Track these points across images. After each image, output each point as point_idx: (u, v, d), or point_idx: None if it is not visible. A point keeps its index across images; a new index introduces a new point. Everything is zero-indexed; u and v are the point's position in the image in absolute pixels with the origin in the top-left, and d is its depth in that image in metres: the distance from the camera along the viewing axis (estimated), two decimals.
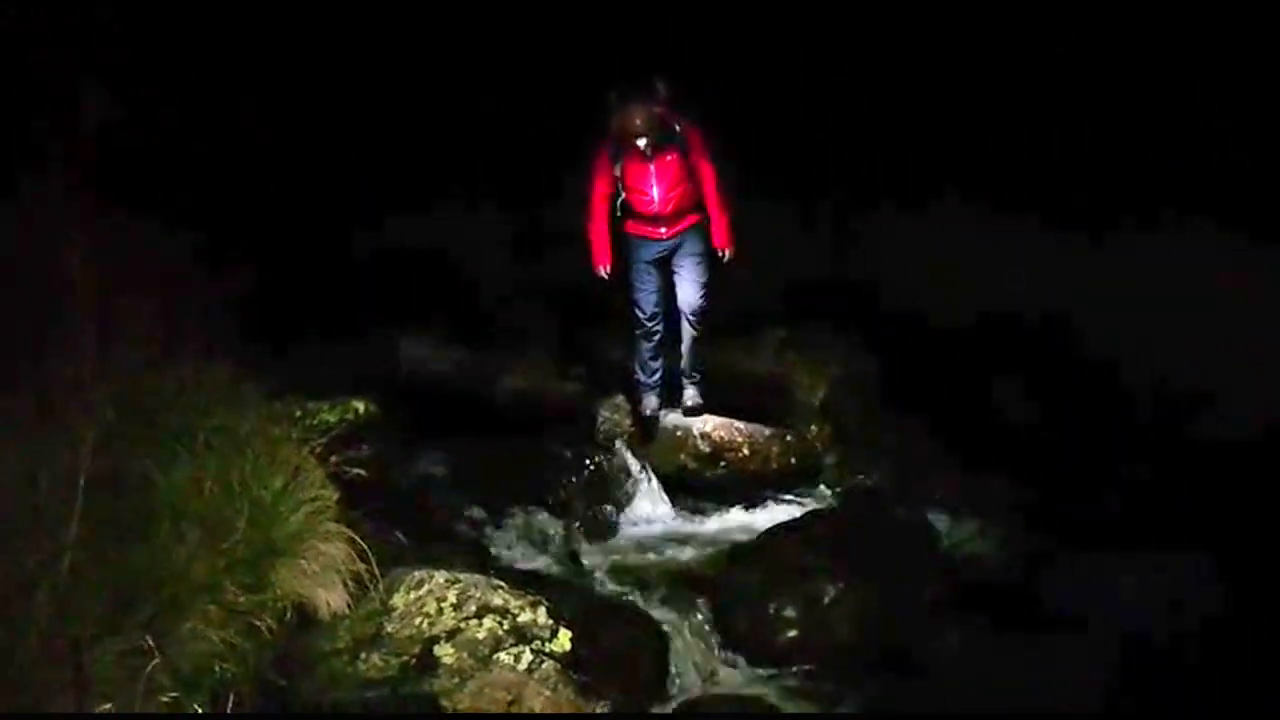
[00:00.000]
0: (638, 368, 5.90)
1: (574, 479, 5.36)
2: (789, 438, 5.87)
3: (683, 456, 5.72)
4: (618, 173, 5.38)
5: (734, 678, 4.26)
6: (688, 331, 5.74)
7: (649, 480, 5.60)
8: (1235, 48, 7.31)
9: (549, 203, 8.71)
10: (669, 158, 5.34)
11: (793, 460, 5.81)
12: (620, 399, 6.12)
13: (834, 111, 8.24)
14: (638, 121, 5.20)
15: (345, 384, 5.57)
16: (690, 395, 5.87)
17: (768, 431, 5.86)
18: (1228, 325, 6.30)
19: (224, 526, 3.51)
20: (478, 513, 4.98)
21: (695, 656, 4.27)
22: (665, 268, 5.65)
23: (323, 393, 5.28)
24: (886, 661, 4.32)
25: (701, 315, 5.68)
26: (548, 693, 3.66)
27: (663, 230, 5.51)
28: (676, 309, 5.69)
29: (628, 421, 5.99)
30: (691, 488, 5.64)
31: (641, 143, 5.23)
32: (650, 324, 5.72)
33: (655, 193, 5.39)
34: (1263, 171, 6.92)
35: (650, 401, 5.89)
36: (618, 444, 5.85)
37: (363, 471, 4.31)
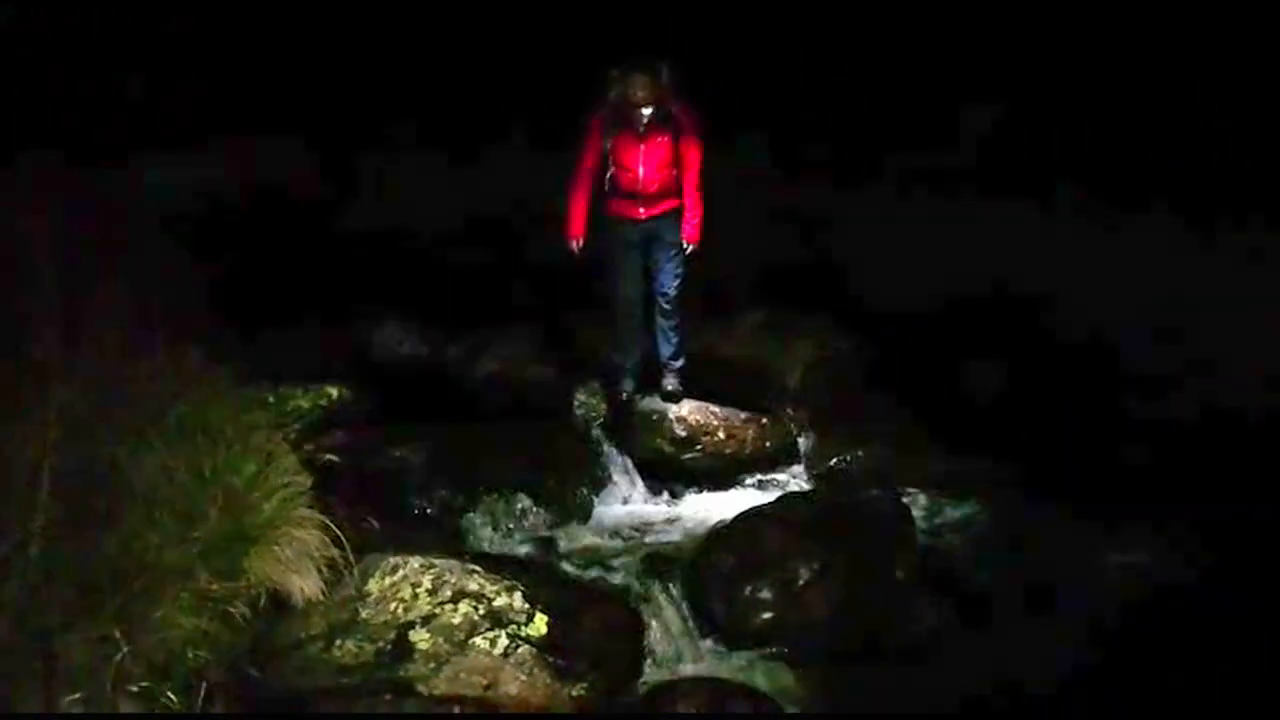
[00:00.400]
0: (615, 350, 5.90)
1: (549, 463, 5.34)
2: (765, 421, 5.88)
3: (659, 440, 5.71)
4: (608, 146, 5.37)
5: (710, 660, 4.26)
6: (664, 320, 5.76)
7: (625, 464, 5.59)
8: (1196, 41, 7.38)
9: (526, 185, 8.70)
10: (661, 139, 5.36)
11: (768, 443, 5.81)
12: (596, 383, 6.10)
13: (810, 90, 8.24)
14: (641, 91, 5.22)
15: (318, 369, 5.55)
16: (670, 381, 5.86)
17: (744, 415, 5.87)
18: (1202, 307, 6.37)
19: (196, 514, 3.49)
20: (453, 498, 4.95)
21: (671, 640, 4.27)
22: (644, 252, 5.65)
23: (296, 378, 5.26)
24: (862, 644, 4.34)
25: (677, 303, 5.71)
26: (523, 677, 3.68)
27: (641, 210, 5.51)
28: (650, 296, 5.71)
29: (604, 405, 5.97)
30: (667, 471, 5.63)
31: (647, 112, 5.25)
32: (629, 306, 5.73)
33: (641, 171, 5.40)
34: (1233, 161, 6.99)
35: (627, 385, 5.89)
36: (593, 428, 5.84)
37: (336, 457, 4.30)
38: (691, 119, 5.41)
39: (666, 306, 5.71)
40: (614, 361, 5.93)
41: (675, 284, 5.64)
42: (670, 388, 5.85)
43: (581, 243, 5.53)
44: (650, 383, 5.91)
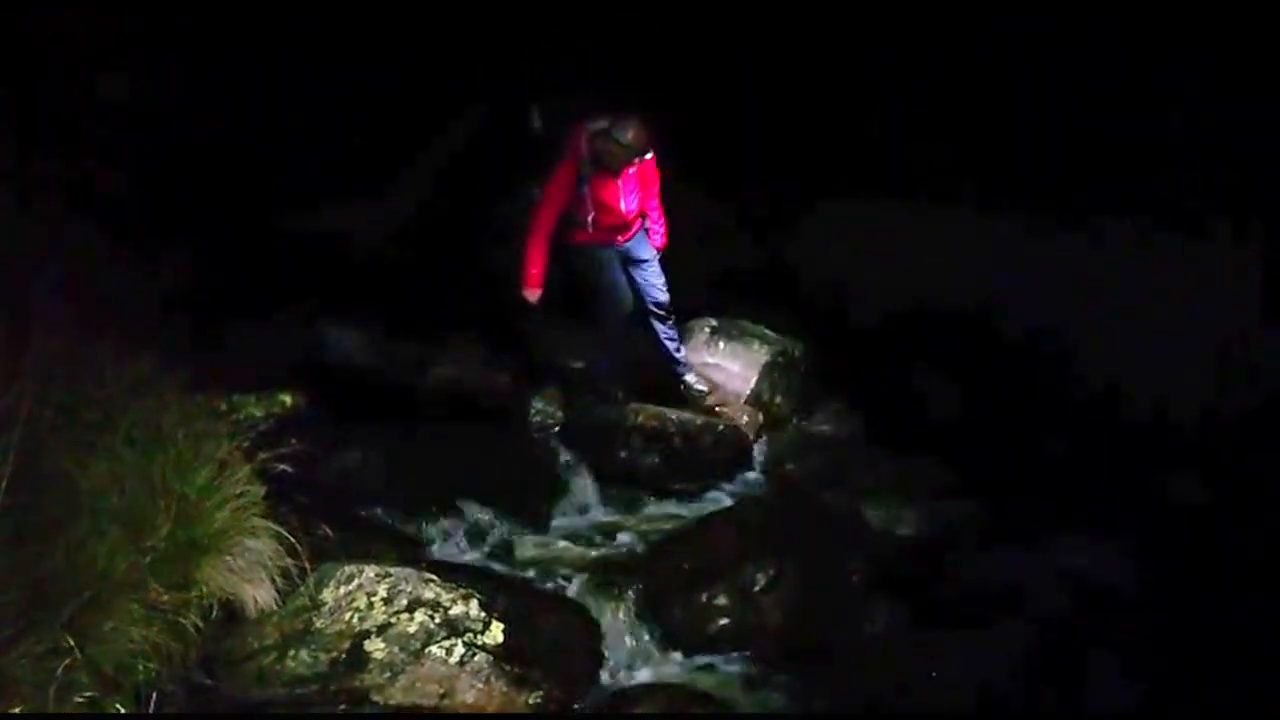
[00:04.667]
0: (609, 359, 5.94)
1: (506, 471, 5.33)
2: (720, 427, 5.90)
3: (615, 447, 5.72)
4: (583, 192, 5.35)
5: (667, 667, 4.27)
6: (664, 327, 5.84)
7: (581, 471, 5.59)
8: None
9: (482, 190, 8.66)
10: (631, 169, 5.41)
11: (724, 449, 5.84)
12: (552, 390, 6.10)
13: (758, 98, 8.27)
14: (640, 141, 5.24)
15: (272, 376, 5.48)
16: (692, 380, 5.96)
17: (699, 421, 5.88)
18: (1149, 315, 6.47)
19: (146, 524, 3.44)
20: (409, 506, 4.92)
21: (628, 646, 4.28)
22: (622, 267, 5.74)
23: (248, 385, 5.20)
24: (817, 648, 4.37)
25: (668, 309, 5.81)
26: (480, 685, 3.67)
27: (619, 239, 5.60)
28: (642, 310, 5.78)
29: (560, 413, 5.98)
30: (624, 478, 5.63)
31: (648, 156, 5.35)
32: (624, 314, 5.78)
33: (624, 205, 5.46)
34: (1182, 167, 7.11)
35: (615, 391, 5.92)
36: (550, 435, 5.84)
37: (290, 466, 4.24)
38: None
39: (662, 313, 5.79)
40: (605, 370, 5.96)
41: (665, 291, 5.76)
42: (693, 382, 5.94)
43: (540, 294, 5.50)
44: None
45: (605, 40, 7.96)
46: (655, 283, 5.72)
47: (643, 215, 5.66)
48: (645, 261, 5.69)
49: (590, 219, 5.42)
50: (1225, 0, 6.66)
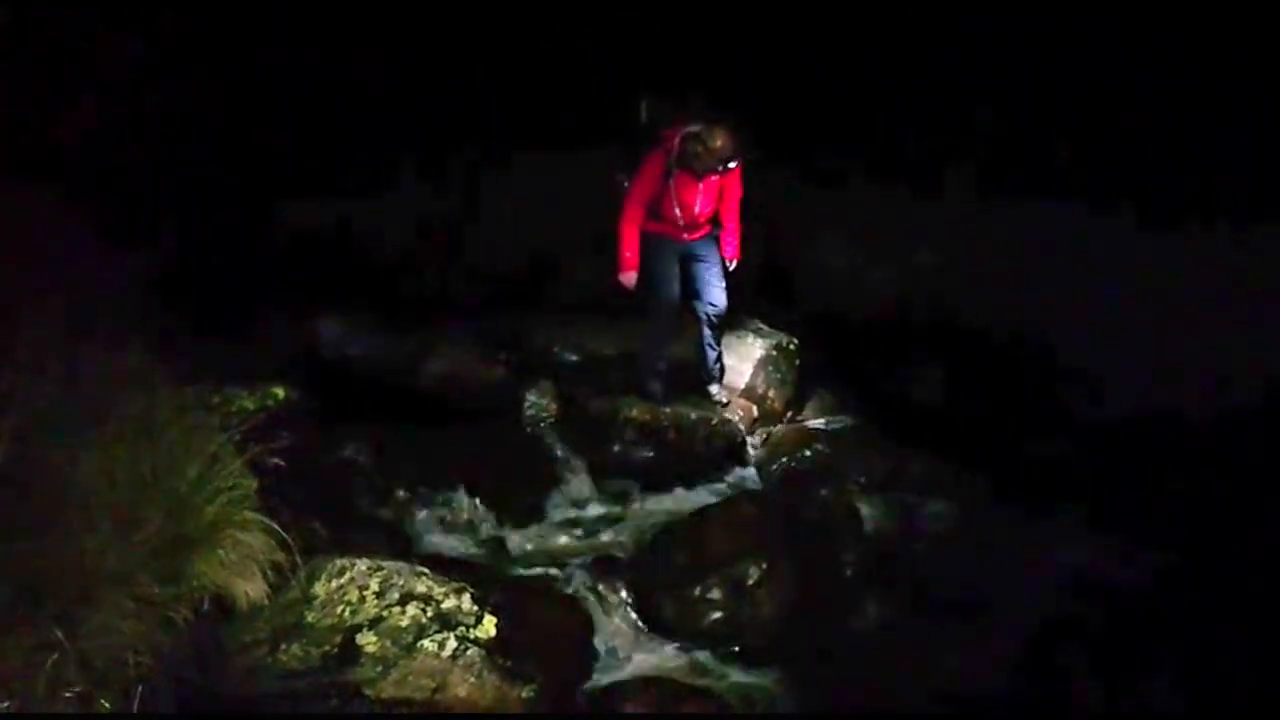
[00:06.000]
0: (654, 354, 5.98)
1: (499, 464, 5.32)
2: (715, 421, 5.90)
3: (609, 440, 5.71)
4: (669, 185, 5.51)
5: (660, 660, 4.27)
6: (712, 333, 5.92)
7: (575, 465, 5.58)
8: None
9: (476, 183, 8.64)
10: (714, 178, 5.54)
11: (718, 443, 5.84)
12: (546, 383, 6.09)
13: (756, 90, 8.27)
14: (727, 147, 5.38)
15: (264, 369, 5.46)
16: (716, 387, 6.07)
17: (694, 415, 5.88)
18: (1141, 309, 6.48)
19: (137, 517, 3.42)
20: (401, 500, 4.92)
21: (621, 640, 4.28)
22: (682, 266, 5.80)
23: (241, 379, 5.17)
24: (809, 642, 4.37)
25: (723, 314, 5.87)
26: (472, 679, 3.66)
27: (685, 236, 5.69)
28: (697, 310, 5.86)
29: (554, 405, 5.96)
30: (618, 471, 5.62)
31: (731, 165, 5.45)
32: (672, 311, 5.85)
33: (698, 208, 5.60)
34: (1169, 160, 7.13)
35: (658, 388, 5.97)
36: (544, 429, 5.83)
37: (282, 460, 4.22)
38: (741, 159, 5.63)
39: (715, 319, 5.87)
40: (650, 365, 5.98)
41: (723, 297, 5.81)
42: (716, 393, 6.05)
43: (635, 277, 5.64)
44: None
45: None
46: (716, 285, 5.78)
47: (715, 221, 5.76)
48: (707, 263, 5.76)
49: (663, 212, 5.59)
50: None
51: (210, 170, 7.64)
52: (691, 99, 5.71)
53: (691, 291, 5.82)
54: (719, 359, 6.07)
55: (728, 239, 5.81)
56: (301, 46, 8.63)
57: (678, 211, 5.58)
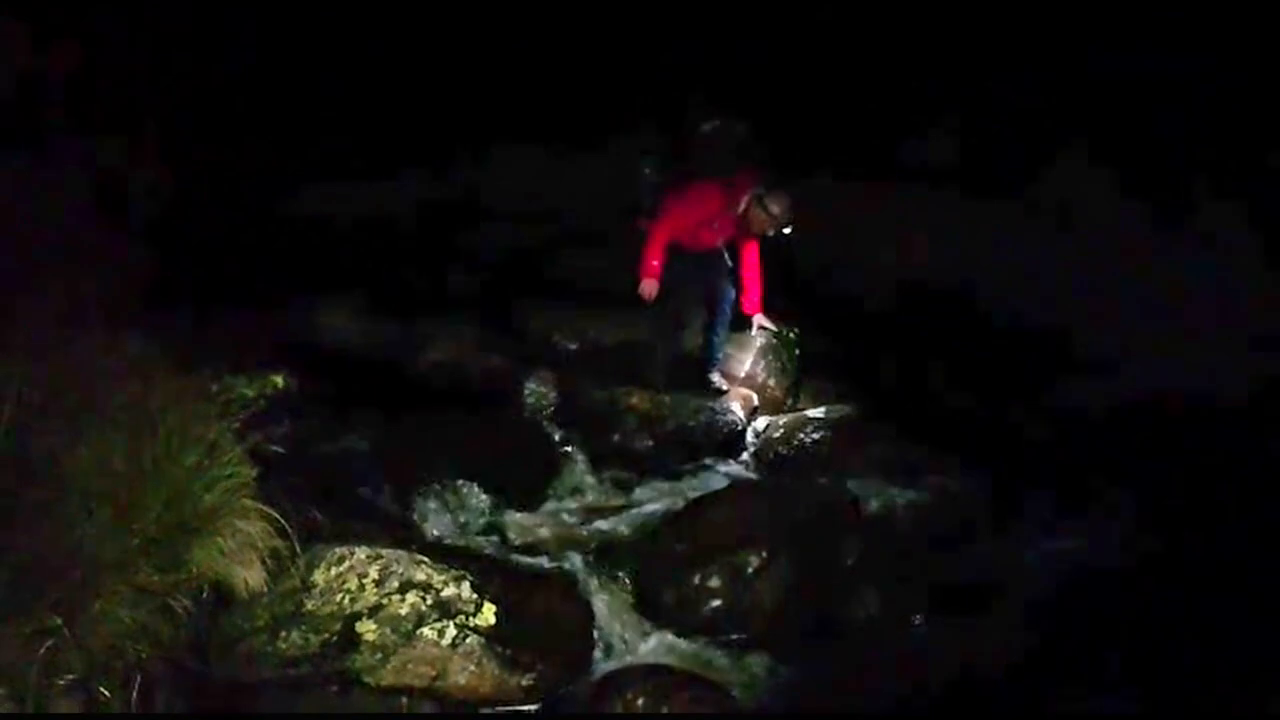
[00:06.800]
0: (718, 348, 6.12)
1: (499, 453, 5.31)
2: (714, 409, 5.89)
3: (609, 429, 5.71)
4: (713, 226, 5.73)
5: (659, 648, 4.26)
6: (716, 320, 6.10)
7: (574, 453, 5.58)
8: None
9: (475, 171, 8.64)
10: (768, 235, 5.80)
11: (718, 432, 5.83)
12: (546, 371, 6.08)
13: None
14: (789, 213, 5.66)
15: (263, 357, 5.44)
16: (715, 378, 6.17)
17: (693, 403, 5.88)
18: (1139, 297, 6.48)
19: (135, 505, 3.41)
20: (400, 488, 4.90)
21: (620, 628, 4.26)
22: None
23: (240, 366, 5.15)
24: (810, 630, 4.37)
25: (732, 303, 6.09)
26: (471, 667, 3.66)
27: (703, 249, 5.88)
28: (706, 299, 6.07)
29: (554, 394, 5.96)
30: (617, 459, 5.62)
31: (788, 231, 5.68)
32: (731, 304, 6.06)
33: (721, 242, 5.88)
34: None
35: (717, 382, 6.14)
36: (543, 417, 5.82)
37: (281, 448, 4.22)
38: None
39: (726, 309, 6.05)
40: (713, 357, 6.12)
41: (732, 289, 6.04)
42: (717, 380, 6.17)
43: (656, 286, 5.72)
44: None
45: None
46: (725, 277, 5.98)
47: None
48: (717, 259, 5.94)
49: (697, 236, 5.76)
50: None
51: (211, 157, 7.63)
52: (738, 128, 5.80)
53: (703, 281, 5.95)
54: (720, 347, 6.11)
55: (750, 297, 6.08)
56: (304, 31, 8.62)
57: (704, 239, 5.77)
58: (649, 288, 5.65)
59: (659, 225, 5.65)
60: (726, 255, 5.99)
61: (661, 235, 5.64)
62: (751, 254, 5.99)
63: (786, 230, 5.69)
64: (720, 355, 6.14)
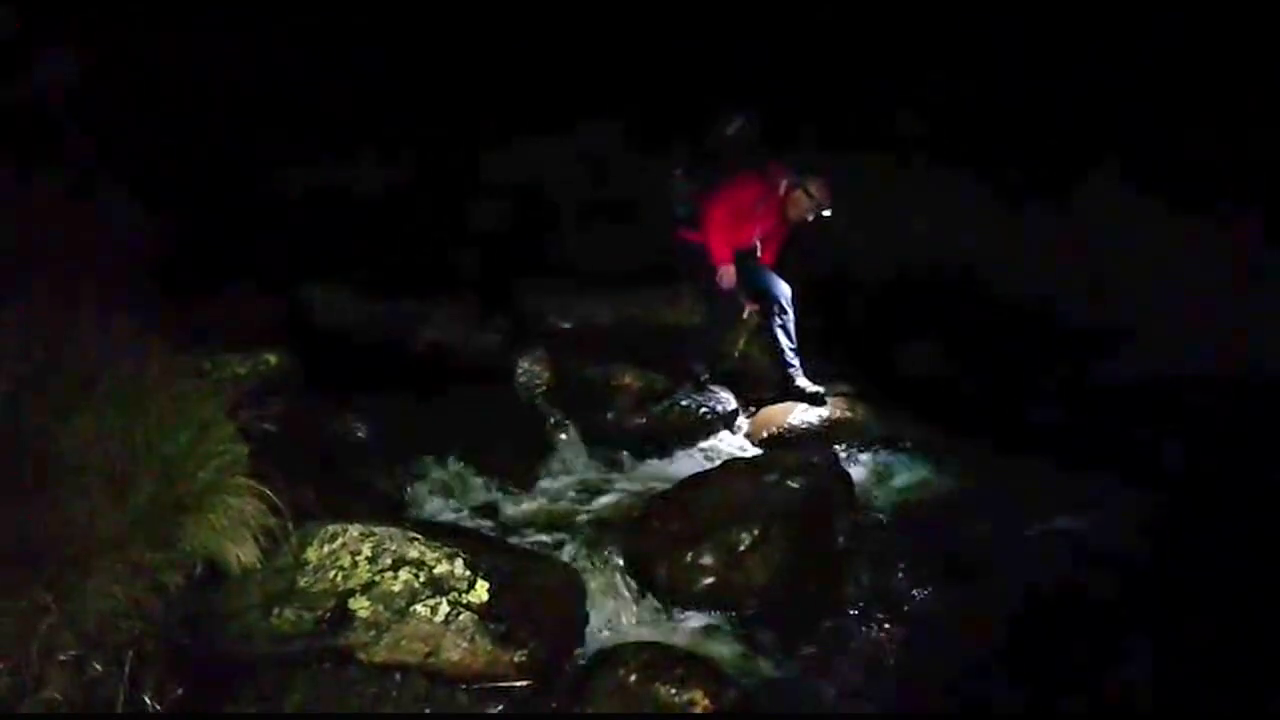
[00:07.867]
0: (796, 343, 6.12)
1: (492, 431, 5.32)
2: (708, 387, 5.90)
3: (602, 407, 5.71)
4: (756, 214, 5.86)
5: (652, 625, 4.28)
6: (778, 321, 6.12)
7: (568, 431, 5.59)
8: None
9: (472, 151, 8.61)
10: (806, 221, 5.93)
11: (711, 410, 5.84)
12: (540, 350, 6.09)
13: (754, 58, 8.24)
14: (827, 197, 5.79)
15: (257, 335, 5.45)
16: (805, 383, 6.12)
17: (687, 382, 5.88)
18: (1137, 277, 6.48)
19: (129, 483, 3.42)
20: (394, 466, 4.92)
21: (613, 605, 4.28)
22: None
23: (233, 344, 5.16)
24: (802, 608, 4.38)
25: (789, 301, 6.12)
26: (464, 644, 3.67)
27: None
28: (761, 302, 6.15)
29: (548, 373, 5.96)
30: (610, 438, 5.64)
31: (827, 213, 5.79)
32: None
33: (758, 241, 5.98)
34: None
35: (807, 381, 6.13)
36: (537, 396, 5.83)
37: (275, 426, 4.23)
38: None
39: (786, 306, 6.10)
40: (791, 350, 6.10)
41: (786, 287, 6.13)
42: (807, 387, 6.13)
43: (734, 272, 5.84)
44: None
45: None
46: (774, 276, 6.06)
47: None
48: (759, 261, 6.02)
49: (739, 234, 5.86)
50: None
51: (205, 136, 7.60)
52: (757, 125, 5.93)
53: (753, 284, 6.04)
54: (795, 350, 6.09)
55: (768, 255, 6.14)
56: (302, 15, 8.59)
57: (746, 234, 5.86)
58: (728, 275, 5.76)
59: (714, 210, 5.73)
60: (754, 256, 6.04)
61: (720, 218, 5.72)
62: (773, 247, 6.08)
63: (826, 213, 5.76)
64: (798, 361, 6.09)
